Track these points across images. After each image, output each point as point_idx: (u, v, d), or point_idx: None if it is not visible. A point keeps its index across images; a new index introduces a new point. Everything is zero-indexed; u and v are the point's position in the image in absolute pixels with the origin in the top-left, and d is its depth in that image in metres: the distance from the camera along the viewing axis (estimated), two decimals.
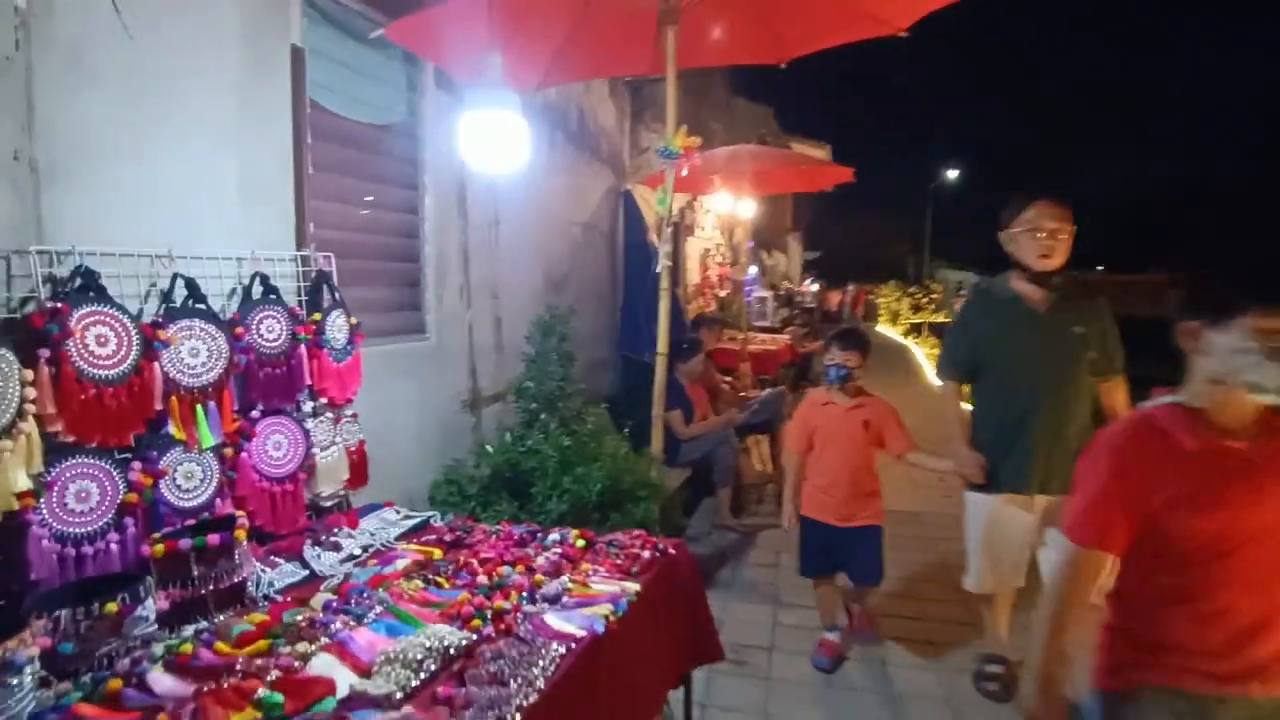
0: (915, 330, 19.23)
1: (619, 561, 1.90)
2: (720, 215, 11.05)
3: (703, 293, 9.60)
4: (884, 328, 22.62)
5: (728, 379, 6.18)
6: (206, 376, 2.02)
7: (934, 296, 25.46)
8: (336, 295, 2.52)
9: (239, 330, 2.13)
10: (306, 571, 2.01)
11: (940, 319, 23.79)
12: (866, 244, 39.09)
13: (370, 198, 2.98)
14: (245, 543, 1.86)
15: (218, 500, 2.03)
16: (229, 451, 2.07)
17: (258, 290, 2.25)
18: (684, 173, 3.25)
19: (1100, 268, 25.98)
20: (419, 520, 2.42)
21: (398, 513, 2.48)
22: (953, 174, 30.48)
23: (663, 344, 3.33)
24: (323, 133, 2.66)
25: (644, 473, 3.08)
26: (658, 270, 3.32)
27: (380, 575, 1.91)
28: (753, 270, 14.09)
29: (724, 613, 3.30)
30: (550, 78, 3.68)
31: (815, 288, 19.03)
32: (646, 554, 1.94)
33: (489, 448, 3.01)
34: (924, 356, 14.16)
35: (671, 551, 2.01)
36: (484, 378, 3.63)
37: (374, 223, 3.01)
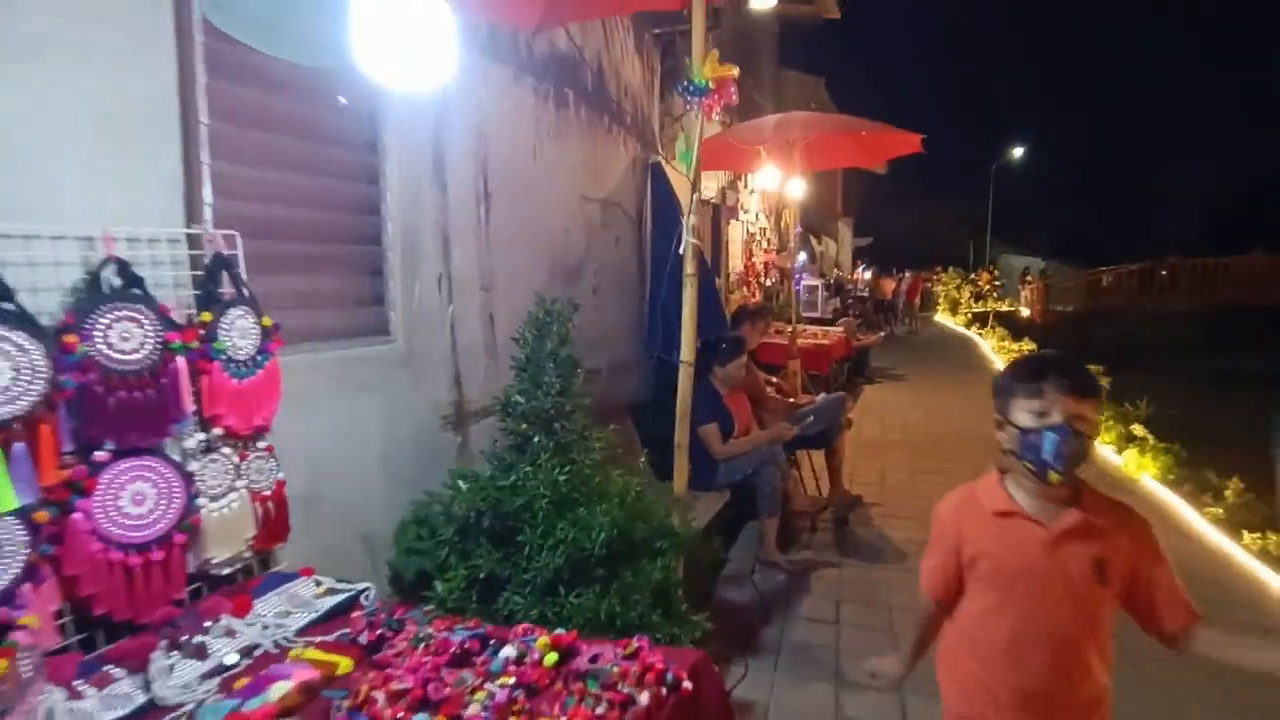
0: (980, 320, 17.92)
1: (599, 713, 1.18)
2: (766, 195, 10.20)
3: (746, 282, 8.79)
4: (943, 317, 21.32)
5: (774, 380, 5.40)
6: (9, 408, 1.39)
7: (998, 284, 23.96)
8: (244, 289, 1.87)
9: (68, 339, 1.49)
10: (143, 699, 1.36)
11: (1004, 307, 22.32)
12: (921, 230, 37.34)
13: (308, 164, 2.31)
14: (27, 660, 1.22)
15: (21, 589, 1.39)
16: (43, 515, 1.43)
17: (111, 282, 1.61)
18: (716, 115, 2.50)
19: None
20: (343, 598, 1.75)
21: (317, 584, 1.82)
22: (1018, 152, 28.67)
23: (687, 349, 2.63)
24: (230, 71, 2.00)
25: (662, 517, 2.37)
26: (680, 251, 2.59)
27: (237, 718, 1.24)
28: (802, 257, 13.17)
29: (768, 696, 2.57)
30: (552, 15, 2.97)
31: (868, 275, 17.90)
32: (645, 697, 1.22)
33: (462, 483, 2.34)
34: (992, 350, 13.02)
35: (687, 686, 1.29)
36: (472, 387, 2.97)
37: (318, 195, 2.35)
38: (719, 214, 8.04)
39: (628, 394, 4.39)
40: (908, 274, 19.61)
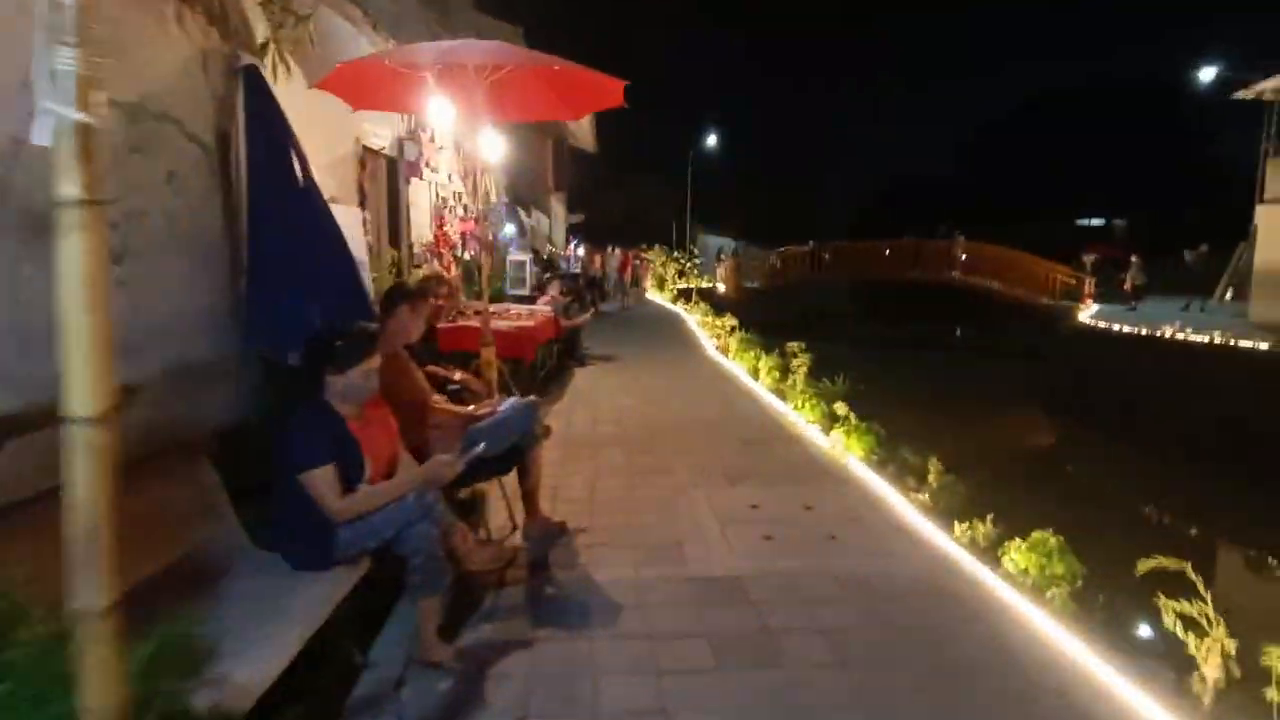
0: (684, 296, 18.57)
1: None
2: (465, 156, 8.83)
3: (438, 253, 7.40)
4: (652, 293, 21.94)
5: (458, 377, 4.20)
6: None
7: (698, 261, 25.42)
8: None
9: None
10: None
11: (705, 284, 23.71)
12: (632, 209, 38.63)
13: None
14: None
15: None
16: None
17: None
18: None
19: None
20: None
21: None
22: (711, 140, 30.76)
23: None
24: None
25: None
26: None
27: None
28: (510, 229, 12.04)
29: None
30: None
31: (580, 251, 17.46)
32: None
33: None
34: (697, 325, 13.24)
35: None
36: None
37: None
38: (395, 169, 6.52)
39: (209, 417, 2.84)
40: (616, 250, 19.58)
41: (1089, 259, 23.67)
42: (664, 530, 3.73)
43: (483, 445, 2.68)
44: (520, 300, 10.35)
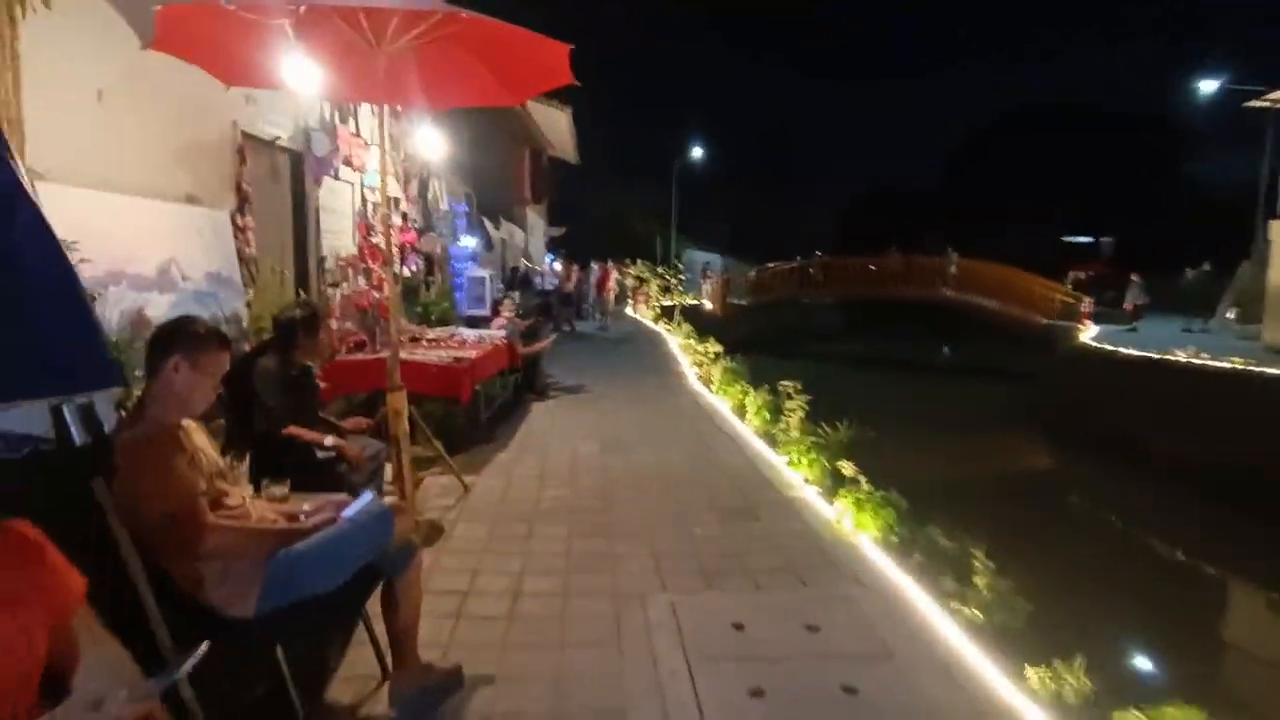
0: (667, 315, 17.44)
1: None
2: (407, 157, 7.69)
3: (365, 268, 6.22)
4: (634, 311, 20.80)
5: (329, 443, 3.02)
6: None
7: (683, 277, 24.32)
8: None
9: None
10: None
11: (690, 301, 22.62)
12: (616, 221, 37.60)
13: None
14: None
15: None
16: None
17: None
18: None
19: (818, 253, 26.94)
20: None
21: None
22: (696, 152, 29.82)
23: None
24: None
25: None
26: None
27: None
28: (470, 242, 10.88)
29: None
30: None
31: (557, 266, 16.30)
32: None
33: None
34: (679, 349, 12.09)
35: None
36: None
37: None
38: (298, 166, 5.35)
39: None
40: (595, 265, 18.36)
41: (1077, 276, 22.89)
42: (604, 683, 2.55)
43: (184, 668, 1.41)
44: (477, 322, 9.20)
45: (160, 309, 3.32)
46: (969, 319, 22.70)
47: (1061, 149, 50.83)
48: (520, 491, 4.72)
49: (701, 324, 15.13)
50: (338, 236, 5.86)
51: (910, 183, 59.28)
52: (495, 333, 7.15)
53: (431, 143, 7.43)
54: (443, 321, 7.49)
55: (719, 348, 9.13)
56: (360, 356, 5.05)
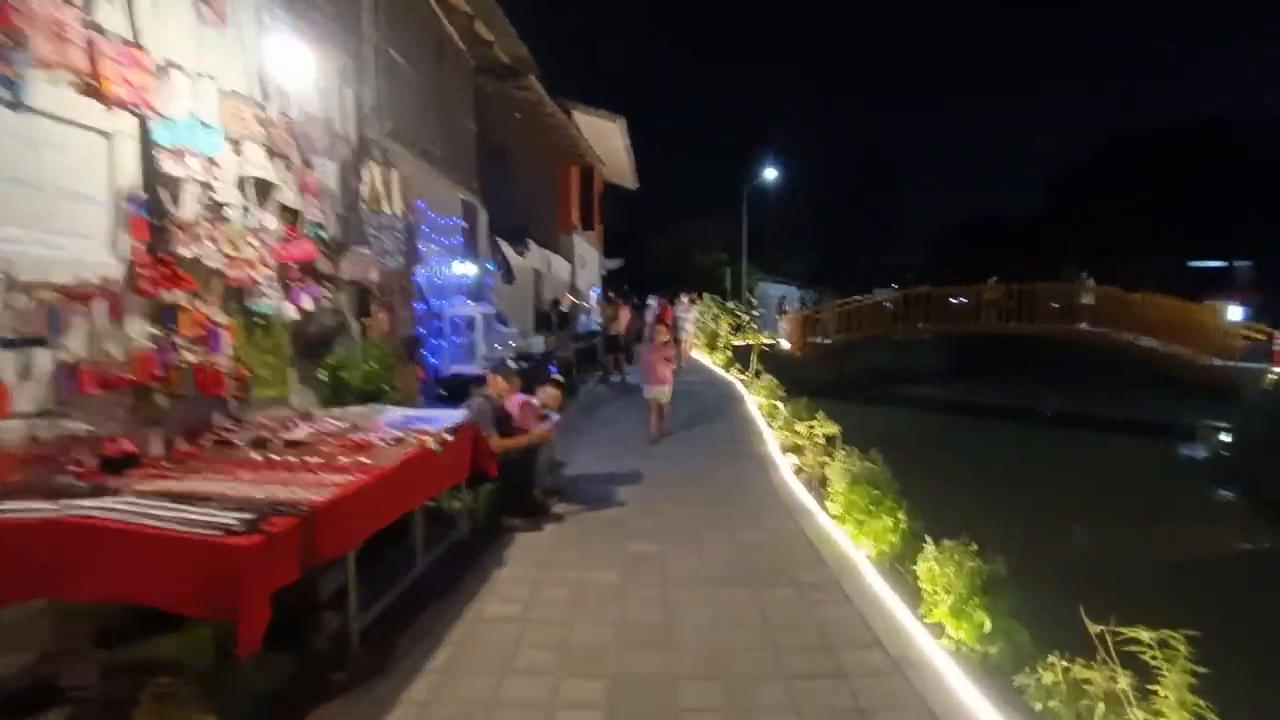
0: (740, 359, 14.10)
1: None
2: (280, 113, 4.77)
3: (154, 296, 3.22)
4: (699, 354, 17.47)
5: None
6: None
7: (756, 314, 20.97)
8: None
9: None
10: None
11: (766, 339, 19.23)
12: (679, 253, 34.60)
13: None
14: None
15: None
16: None
17: None
18: None
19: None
20: None
21: None
22: (770, 174, 26.63)
23: None
24: None
25: None
26: None
27: None
28: (467, 269, 7.96)
29: None
30: None
31: (589, 302, 13.11)
32: None
33: None
34: (758, 410, 8.73)
35: None
36: None
37: None
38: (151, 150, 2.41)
39: None
40: (653, 301, 15.05)
41: (1227, 306, 18.28)
42: None
43: None
44: (465, 383, 6.21)
45: None
46: (1110, 359, 18.56)
47: (1175, 168, 45.25)
48: None
49: (780, 368, 11.88)
50: (50, 240, 2.89)
51: (1009, 209, 54.47)
52: (450, 415, 4.07)
53: (367, 87, 4.41)
54: (369, 395, 4.45)
55: (831, 427, 5.71)
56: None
